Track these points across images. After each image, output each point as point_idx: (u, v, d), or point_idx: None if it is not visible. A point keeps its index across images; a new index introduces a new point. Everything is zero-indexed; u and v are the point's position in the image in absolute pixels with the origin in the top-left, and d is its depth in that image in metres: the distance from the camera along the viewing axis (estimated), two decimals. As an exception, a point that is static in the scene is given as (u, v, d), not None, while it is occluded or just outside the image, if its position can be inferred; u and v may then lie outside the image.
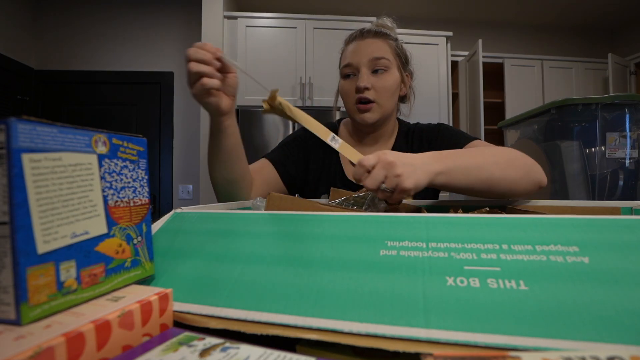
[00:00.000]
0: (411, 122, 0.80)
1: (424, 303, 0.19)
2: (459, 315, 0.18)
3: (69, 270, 0.19)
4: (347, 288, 0.21)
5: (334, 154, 0.78)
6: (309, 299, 0.21)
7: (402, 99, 0.77)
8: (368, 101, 0.68)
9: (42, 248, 0.18)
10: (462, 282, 0.20)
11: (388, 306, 0.19)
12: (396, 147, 0.77)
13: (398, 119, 0.81)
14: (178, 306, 0.23)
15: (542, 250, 0.21)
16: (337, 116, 0.94)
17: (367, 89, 0.68)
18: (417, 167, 0.39)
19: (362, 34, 0.71)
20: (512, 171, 0.47)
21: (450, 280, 0.20)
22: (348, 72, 0.71)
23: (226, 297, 0.22)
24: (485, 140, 0.76)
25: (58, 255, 0.18)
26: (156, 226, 0.32)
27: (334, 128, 0.83)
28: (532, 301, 0.18)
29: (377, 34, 0.71)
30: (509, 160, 0.49)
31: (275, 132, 2.07)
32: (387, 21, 0.77)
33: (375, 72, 0.69)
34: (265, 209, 0.37)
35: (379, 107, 0.69)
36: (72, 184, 0.20)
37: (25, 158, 0.17)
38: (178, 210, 0.35)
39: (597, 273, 0.19)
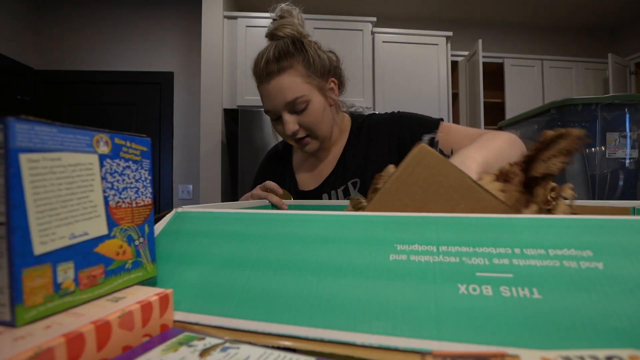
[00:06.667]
0: (381, 112, 0.77)
1: (436, 313, 0.19)
2: (472, 327, 0.18)
3: (66, 272, 0.19)
4: (358, 297, 0.21)
5: (288, 167, 0.80)
6: (319, 309, 0.21)
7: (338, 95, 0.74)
8: (303, 137, 0.68)
9: (38, 249, 0.17)
10: (474, 290, 0.20)
11: (400, 317, 0.19)
12: (348, 147, 0.74)
13: (351, 114, 0.79)
14: (185, 316, 0.22)
15: (555, 254, 0.21)
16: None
17: (295, 132, 0.66)
18: (466, 157, 0.40)
19: (267, 73, 0.64)
20: (516, 152, 0.51)
21: (462, 288, 0.20)
22: (272, 116, 0.68)
23: (235, 307, 0.22)
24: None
25: (55, 257, 0.18)
26: (158, 228, 0.31)
27: (288, 145, 0.84)
28: (546, 311, 0.18)
29: (280, 63, 0.63)
30: (512, 144, 0.52)
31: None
32: (289, 8, 0.70)
33: (296, 110, 0.65)
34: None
35: (315, 138, 0.69)
36: (71, 185, 0.19)
37: (23, 158, 0.17)
38: (179, 210, 0.34)
39: (611, 280, 0.19)
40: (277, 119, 0.68)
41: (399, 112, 0.74)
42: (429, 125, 0.68)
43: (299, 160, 0.81)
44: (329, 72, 0.70)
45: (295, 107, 0.64)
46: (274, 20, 0.70)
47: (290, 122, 0.65)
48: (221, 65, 2.18)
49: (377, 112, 0.78)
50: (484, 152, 0.43)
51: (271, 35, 0.70)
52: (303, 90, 0.64)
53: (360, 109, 2.23)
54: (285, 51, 0.64)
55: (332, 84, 0.71)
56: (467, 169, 0.35)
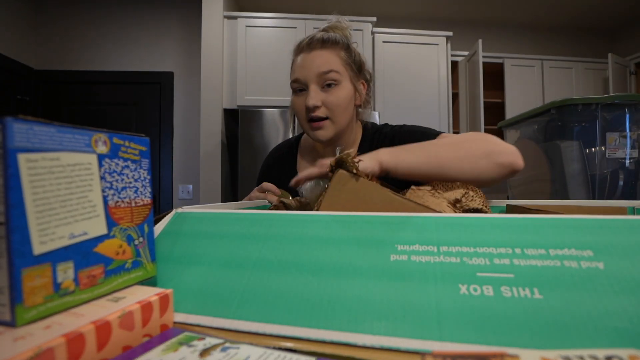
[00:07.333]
0: (394, 124, 0.77)
1: (437, 313, 0.19)
2: (473, 327, 0.18)
3: (66, 272, 0.19)
4: (359, 298, 0.21)
5: (293, 173, 0.79)
6: (320, 310, 0.20)
7: (363, 104, 0.74)
8: (320, 119, 0.66)
9: (38, 249, 0.17)
10: (475, 290, 0.20)
11: (401, 317, 0.19)
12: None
13: (364, 124, 0.78)
14: (186, 317, 0.22)
15: (555, 254, 0.21)
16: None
17: (317, 107, 0.65)
18: (373, 155, 0.46)
19: (309, 45, 0.66)
20: (464, 152, 0.50)
21: (463, 289, 0.20)
22: (297, 87, 0.67)
23: (235, 308, 0.22)
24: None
25: (55, 256, 0.18)
26: (158, 228, 0.31)
27: (292, 145, 0.83)
28: (547, 311, 0.18)
29: (324, 43, 0.66)
30: (462, 142, 0.51)
31: (275, 132, 2.07)
32: (342, 20, 0.73)
33: (325, 86, 0.65)
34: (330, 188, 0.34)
35: (332, 124, 0.67)
36: (70, 184, 0.19)
37: (22, 158, 0.17)
38: (179, 210, 0.34)
39: (611, 280, 0.19)
40: (300, 92, 0.68)
41: (404, 125, 0.73)
42: (425, 138, 0.67)
43: (305, 165, 0.80)
44: (363, 74, 0.72)
45: (326, 80, 0.65)
46: (328, 25, 0.74)
47: (315, 96, 0.65)
48: (221, 65, 2.18)
49: (388, 124, 0.76)
50: (402, 155, 0.48)
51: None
52: (339, 68, 0.66)
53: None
54: (332, 38, 0.68)
55: (362, 86, 0.72)
56: (363, 167, 0.40)
